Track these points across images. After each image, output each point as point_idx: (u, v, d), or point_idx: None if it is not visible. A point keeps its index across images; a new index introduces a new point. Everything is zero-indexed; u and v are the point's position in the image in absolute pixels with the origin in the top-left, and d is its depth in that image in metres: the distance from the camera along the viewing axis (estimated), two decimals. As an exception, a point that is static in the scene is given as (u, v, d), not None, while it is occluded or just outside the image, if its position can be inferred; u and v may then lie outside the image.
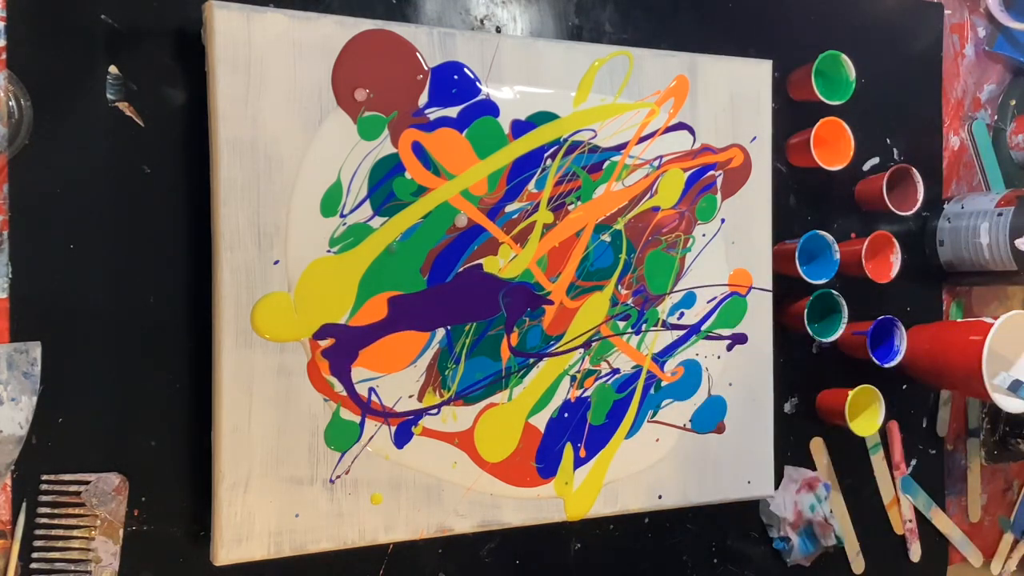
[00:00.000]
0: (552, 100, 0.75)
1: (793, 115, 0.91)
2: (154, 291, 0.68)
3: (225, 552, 0.66)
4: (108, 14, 0.67)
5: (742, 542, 0.90)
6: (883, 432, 0.96)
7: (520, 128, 0.74)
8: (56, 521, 0.65)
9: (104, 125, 0.66)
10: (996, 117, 1.05)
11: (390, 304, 0.70)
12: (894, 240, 0.90)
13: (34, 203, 0.65)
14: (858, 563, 0.95)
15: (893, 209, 0.90)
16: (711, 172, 0.82)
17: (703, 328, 0.82)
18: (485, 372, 0.74)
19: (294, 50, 0.67)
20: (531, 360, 0.76)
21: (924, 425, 1.00)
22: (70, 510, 0.65)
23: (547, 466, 0.76)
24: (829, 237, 0.88)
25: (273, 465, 0.67)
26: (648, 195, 0.80)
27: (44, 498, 0.65)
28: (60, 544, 0.65)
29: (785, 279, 0.88)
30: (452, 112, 0.72)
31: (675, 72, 0.80)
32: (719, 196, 0.83)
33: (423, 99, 0.71)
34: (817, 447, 0.93)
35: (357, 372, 0.69)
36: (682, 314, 0.81)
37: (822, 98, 0.87)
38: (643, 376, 0.80)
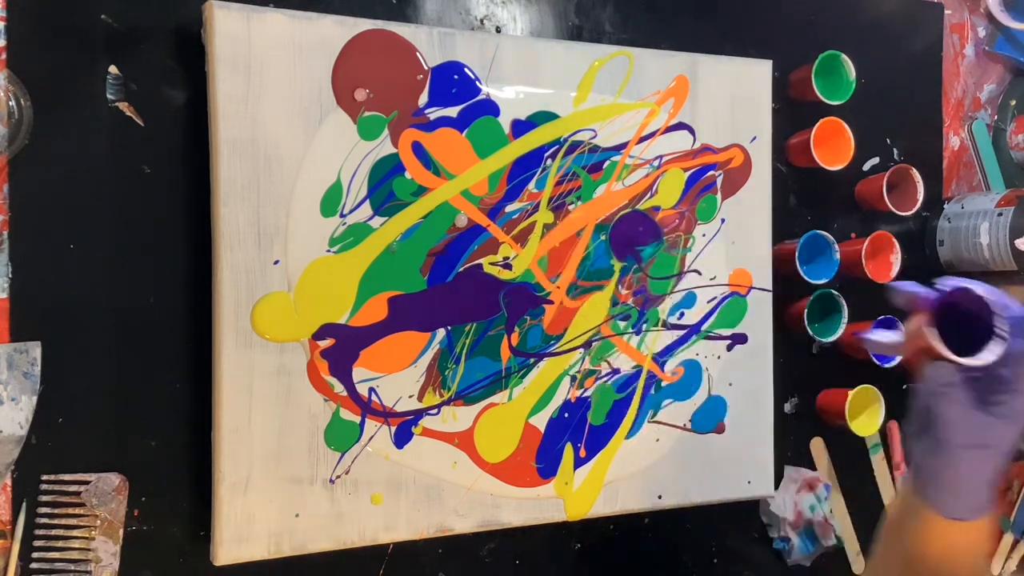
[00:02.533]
0: (552, 100, 0.75)
1: (793, 115, 0.91)
2: (154, 291, 0.68)
3: (225, 552, 0.65)
4: (108, 14, 0.67)
5: (742, 542, 0.90)
6: (883, 432, 0.96)
7: (520, 128, 0.74)
8: (56, 521, 0.65)
9: (104, 125, 0.66)
10: (996, 117, 1.05)
11: (390, 304, 0.70)
12: (894, 240, 0.90)
13: (34, 203, 0.65)
14: (858, 563, 0.95)
15: (893, 209, 0.90)
16: (711, 172, 0.82)
17: (703, 328, 0.82)
18: (485, 372, 0.74)
19: (294, 50, 0.67)
20: (531, 360, 0.76)
21: (924, 425, 0.99)
22: (70, 510, 0.65)
23: (547, 466, 0.76)
24: (829, 237, 0.88)
25: (273, 465, 0.67)
26: (648, 195, 0.80)
27: (44, 498, 0.65)
28: (60, 544, 0.65)
29: (785, 279, 0.88)
30: (452, 112, 0.72)
31: (675, 72, 0.80)
32: (719, 196, 0.83)
33: (423, 99, 0.71)
34: (817, 447, 0.93)
35: (357, 372, 0.69)
36: (682, 314, 0.81)
37: (822, 98, 0.87)
38: (643, 376, 0.80)
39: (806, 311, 0.87)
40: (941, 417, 0.53)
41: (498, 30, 0.80)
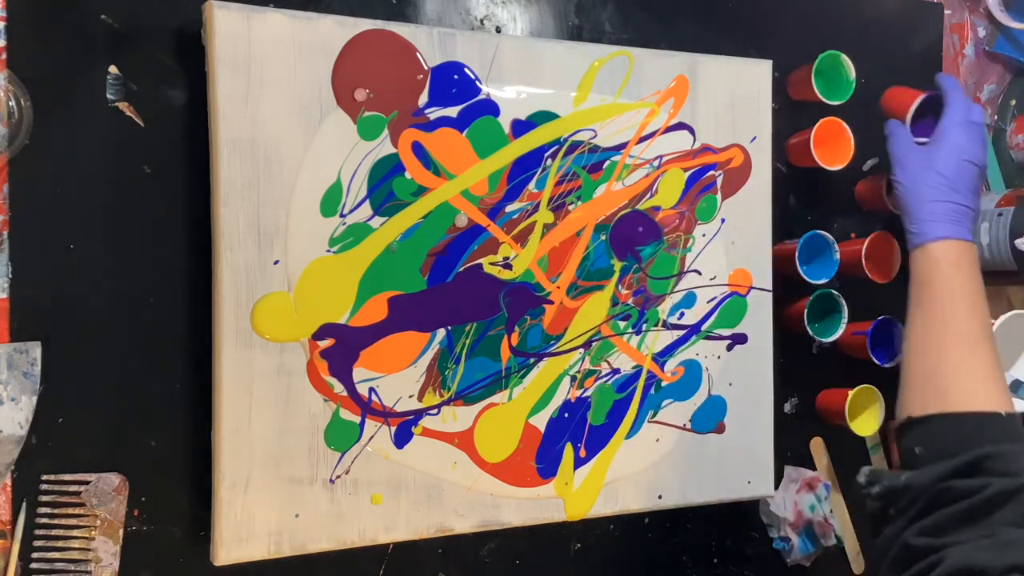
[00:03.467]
0: (552, 100, 0.75)
1: (793, 115, 0.91)
2: (154, 291, 0.68)
3: (225, 552, 0.65)
4: (108, 14, 0.67)
5: (742, 542, 0.90)
6: (883, 432, 0.96)
7: (520, 128, 0.74)
8: (56, 521, 0.65)
9: (104, 125, 0.66)
10: (996, 117, 1.05)
11: (390, 304, 0.70)
12: (894, 240, 0.90)
13: (34, 203, 0.65)
14: (858, 563, 0.95)
15: (893, 209, 0.90)
16: (711, 172, 0.82)
17: (703, 328, 0.82)
18: (485, 372, 0.74)
19: (294, 50, 0.67)
20: (531, 360, 0.76)
21: (924, 425, 0.99)
22: (70, 510, 0.65)
23: (547, 466, 0.76)
24: (829, 237, 0.88)
25: (273, 465, 0.67)
26: (648, 195, 0.80)
27: (44, 498, 0.65)
28: (60, 544, 0.65)
29: (785, 279, 0.88)
30: (452, 112, 0.72)
31: (675, 72, 0.80)
32: (719, 196, 0.83)
33: (423, 99, 0.71)
34: (817, 447, 0.93)
35: (357, 372, 0.69)
36: (682, 314, 0.81)
37: (822, 98, 0.87)
38: (643, 376, 0.80)
39: (806, 311, 0.87)
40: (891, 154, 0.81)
41: (498, 30, 0.80)
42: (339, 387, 0.69)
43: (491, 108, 0.73)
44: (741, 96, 0.83)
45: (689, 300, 0.82)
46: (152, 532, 0.68)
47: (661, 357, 0.81)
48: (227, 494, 0.65)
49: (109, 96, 0.67)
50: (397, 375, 0.71)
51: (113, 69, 0.67)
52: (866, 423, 0.90)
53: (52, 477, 0.65)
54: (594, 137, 0.77)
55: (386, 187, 0.70)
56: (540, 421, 0.76)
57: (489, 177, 0.73)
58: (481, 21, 0.79)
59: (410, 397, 0.71)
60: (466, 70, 0.72)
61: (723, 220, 0.83)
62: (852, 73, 0.89)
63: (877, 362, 0.89)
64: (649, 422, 0.80)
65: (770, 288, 0.86)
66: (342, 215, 0.69)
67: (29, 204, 0.64)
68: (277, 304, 0.67)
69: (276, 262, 0.67)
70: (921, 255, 0.76)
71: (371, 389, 0.70)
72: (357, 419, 0.70)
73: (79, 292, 0.66)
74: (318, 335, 0.68)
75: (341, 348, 0.69)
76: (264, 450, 0.67)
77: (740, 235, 0.84)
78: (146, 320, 0.68)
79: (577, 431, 0.77)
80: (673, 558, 0.87)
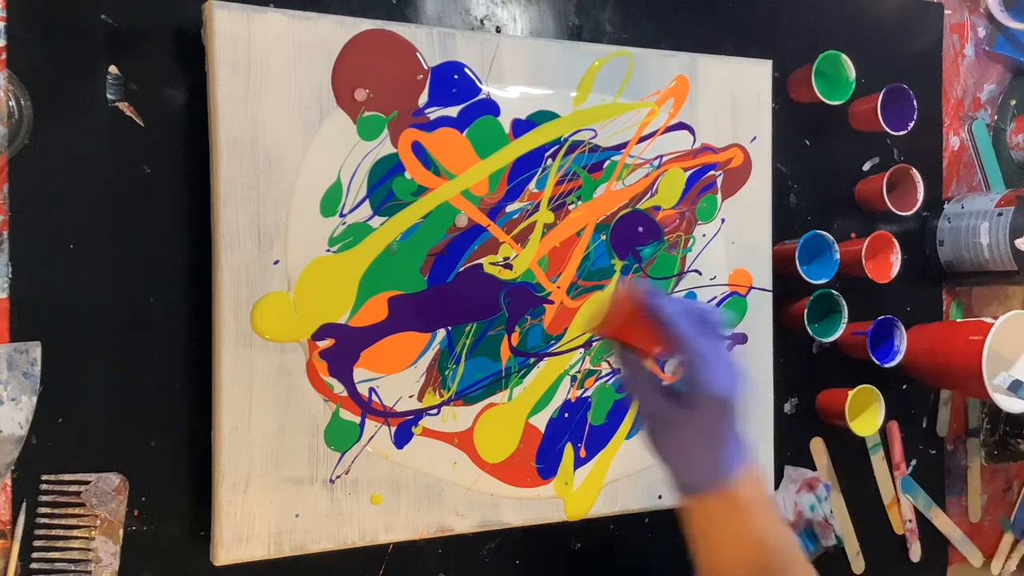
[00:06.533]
0: (552, 100, 0.75)
1: (793, 115, 0.91)
2: (154, 291, 0.68)
3: (225, 552, 0.65)
4: (108, 14, 0.67)
5: (742, 542, 0.89)
6: (883, 432, 0.96)
7: (521, 127, 0.74)
8: (56, 521, 0.65)
9: (104, 125, 0.66)
10: (996, 117, 1.05)
11: (390, 304, 0.70)
12: (894, 240, 0.90)
13: (34, 203, 0.65)
14: (858, 563, 0.95)
15: (893, 209, 0.90)
16: (711, 172, 0.82)
17: (703, 328, 0.82)
18: (485, 372, 0.74)
19: (294, 50, 0.67)
20: (531, 360, 0.76)
21: (924, 425, 1.00)
22: (70, 510, 0.65)
23: (547, 466, 0.76)
24: (829, 237, 0.88)
25: (273, 465, 0.67)
26: (648, 195, 0.80)
27: (44, 498, 0.65)
28: (60, 544, 0.65)
29: (785, 279, 0.87)
30: (452, 112, 0.72)
31: (675, 72, 0.80)
32: (719, 196, 0.83)
33: (423, 99, 0.71)
34: (817, 447, 0.93)
35: (358, 372, 0.69)
36: (682, 314, 0.81)
37: (822, 98, 0.87)
38: (643, 376, 0.80)
39: (806, 311, 0.87)
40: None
41: (498, 30, 0.80)
42: (339, 387, 0.69)
43: (491, 108, 0.73)
44: (741, 96, 0.83)
45: (689, 300, 0.82)
46: (152, 532, 0.68)
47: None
48: (227, 494, 0.65)
49: (109, 96, 0.67)
50: (397, 375, 0.71)
51: (113, 69, 0.67)
52: (866, 423, 0.90)
53: (52, 477, 0.65)
54: (594, 137, 0.77)
55: (386, 187, 0.70)
56: (540, 421, 0.76)
57: (489, 177, 0.73)
58: (481, 21, 0.79)
59: (410, 397, 0.71)
60: (466, 70, 0.72)
61: (723, 220, 0.83)
62: (852, 73, 0.89)
63: (877, 362, 0.89)
64: (649, 422, 0.80)
65: (770, 288, 0.85)
66: (342, 215, 0.69)
67: (29, 204, 0.64)
68: (277, 304, 0.67)
69: (276, 262, 0.67)
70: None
71: (371, 389, 0.70)
72: (357, 419, 0.69)
73: (79, 292, 0.66)
74: (318, 335, 0.68)
75: (341, 348, 0.69)
76: (264, 450, 0.67)
77: (740, 235, 0.84)
78: (146, 320, 0.68)
79: (577, 431, 0.77)
80: (673, 558, 0.86)
